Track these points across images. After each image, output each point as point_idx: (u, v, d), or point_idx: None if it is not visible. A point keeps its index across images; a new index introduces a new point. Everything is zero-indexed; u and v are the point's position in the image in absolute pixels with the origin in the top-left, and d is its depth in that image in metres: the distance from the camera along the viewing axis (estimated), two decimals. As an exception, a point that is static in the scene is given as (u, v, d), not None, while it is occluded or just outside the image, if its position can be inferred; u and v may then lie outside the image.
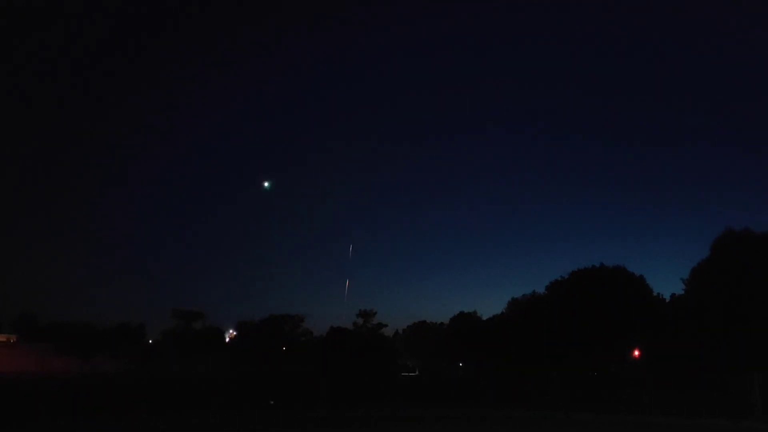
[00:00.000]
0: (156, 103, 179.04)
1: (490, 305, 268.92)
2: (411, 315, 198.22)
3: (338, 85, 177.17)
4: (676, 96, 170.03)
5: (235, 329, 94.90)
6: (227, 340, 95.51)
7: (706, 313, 57.62)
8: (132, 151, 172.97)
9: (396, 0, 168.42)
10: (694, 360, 59.04)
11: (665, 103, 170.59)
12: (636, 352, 69.34)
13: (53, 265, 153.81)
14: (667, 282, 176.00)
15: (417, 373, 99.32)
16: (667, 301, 73.09)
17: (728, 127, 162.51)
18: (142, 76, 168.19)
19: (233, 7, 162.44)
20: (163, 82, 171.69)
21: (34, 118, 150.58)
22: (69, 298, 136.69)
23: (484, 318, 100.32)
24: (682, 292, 67.25)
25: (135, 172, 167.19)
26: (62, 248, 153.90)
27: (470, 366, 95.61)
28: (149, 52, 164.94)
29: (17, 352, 79.95)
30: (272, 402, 43.38)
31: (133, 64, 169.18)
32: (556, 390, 44.97)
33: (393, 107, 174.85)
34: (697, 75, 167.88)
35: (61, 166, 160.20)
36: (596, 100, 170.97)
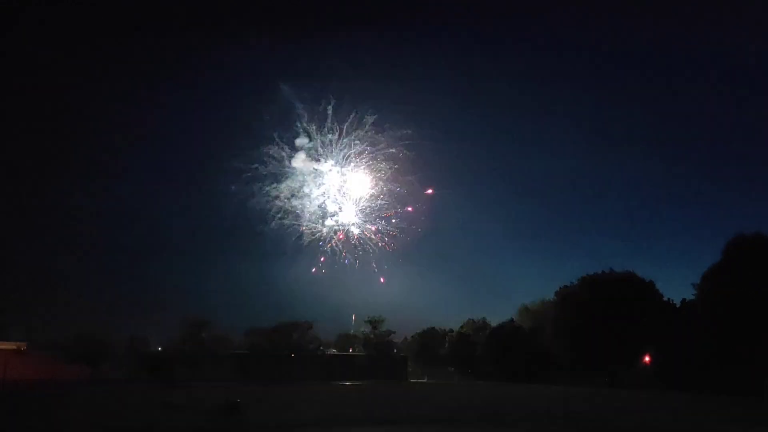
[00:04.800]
0: (167, 109, 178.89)
1: (499, 312, 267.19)
2: (420, 322, 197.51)
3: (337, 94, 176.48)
4: (686, 99, 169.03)
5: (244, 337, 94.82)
6: None
7: (718, 318, 57.23)
8: (139, 160, 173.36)
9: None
10: (706, 365, 58.73)
11: (675, 107, 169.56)
12: (647, 358, 68.97)
13: (62, 273, 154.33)
14: (677, 287, 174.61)
15: (426, 380, 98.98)
16: (678, 306, 72.63)
17: (739, 130, 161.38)
18: (147, 80, 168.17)
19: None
20: (178, 88, 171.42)
21: (36, 119, 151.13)
22: (78, 306, 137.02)
23: (494, 324, 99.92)
24: (693, 297, 66.83)
25: (144, 180, 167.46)
26: (71, 256, 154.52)
27: (480, 373, 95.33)
28: (145, 54, 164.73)
29: (27, 359, 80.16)
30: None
31: (133, 65, 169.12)
32: (568, 396, 44.64)
33: (394, 111, 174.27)
34: (709, 77, 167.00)
35: (69, 174, 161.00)
36: (606, 104, 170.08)
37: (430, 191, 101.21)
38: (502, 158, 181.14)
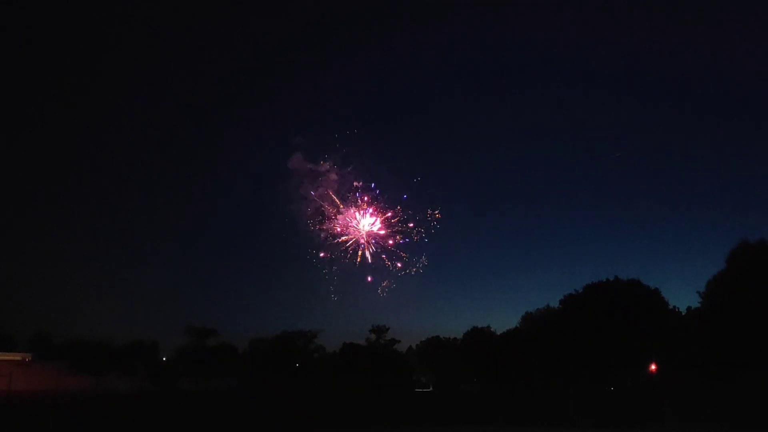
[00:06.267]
0: (171, 115, 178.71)
1: (503, 319, 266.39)
2: (424, 330, 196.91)
3: (352, 96, 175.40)
4: (689, 106, 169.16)
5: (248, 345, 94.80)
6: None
7: (724, 325, 56.90)
8: (147, 167, 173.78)
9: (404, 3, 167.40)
10: (712, 373, 58.34)
11: (679, 114, 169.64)
12: (652, 366, 68.54)
13: (67, 284, 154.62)
14: (682, 295, 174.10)
15: (431, 389, 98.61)
16: (683, 314, 72.23)
17: (743, 137, 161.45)
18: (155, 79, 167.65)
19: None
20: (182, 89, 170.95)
21: (44, 127, 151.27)
22: (83, 316, 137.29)
23: (498, 332, 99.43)
24: (698, 304, 66.48)
25: (150, 190, 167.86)
26: (76, 266, 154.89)
27: (485, 381, 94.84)
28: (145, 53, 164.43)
29: (33, 370, 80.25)
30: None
31: (139, 66, 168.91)
32: (573, 406, 44.50)
33: (399, 122, 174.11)
34: (714, 85, 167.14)
35: (74, 184, 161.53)
36: (610, 112, 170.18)
37: (437, 213, 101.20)
38: (507, 166, 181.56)
